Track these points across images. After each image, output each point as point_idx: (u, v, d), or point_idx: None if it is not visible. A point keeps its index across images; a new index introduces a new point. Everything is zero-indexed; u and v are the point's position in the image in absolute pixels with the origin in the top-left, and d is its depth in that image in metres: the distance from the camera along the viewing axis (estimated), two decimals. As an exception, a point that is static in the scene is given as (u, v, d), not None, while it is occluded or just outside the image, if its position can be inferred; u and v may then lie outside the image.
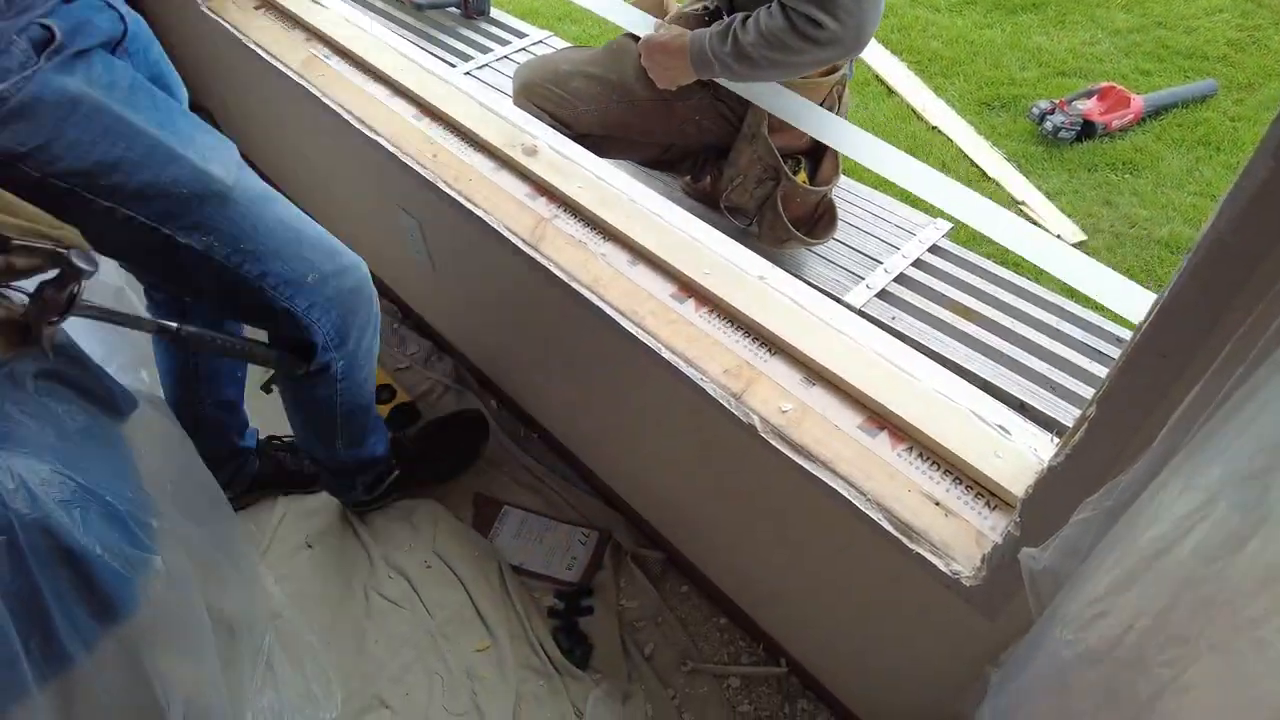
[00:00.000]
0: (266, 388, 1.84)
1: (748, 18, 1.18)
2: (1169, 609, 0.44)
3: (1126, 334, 1.45)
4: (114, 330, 1.13)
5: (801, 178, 1.41)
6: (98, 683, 0.87)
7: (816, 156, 1.46)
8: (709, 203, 1.62)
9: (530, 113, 1.37)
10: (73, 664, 0.84)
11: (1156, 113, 2.75)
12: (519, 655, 1.39)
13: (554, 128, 1.31)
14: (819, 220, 1.49)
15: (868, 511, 0.81)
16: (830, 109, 1.39)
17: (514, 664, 1.37)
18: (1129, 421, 0.55)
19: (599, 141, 1.47)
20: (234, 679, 1.17)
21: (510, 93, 1.86)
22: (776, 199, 1.40)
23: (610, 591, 1.47)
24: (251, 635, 1.26)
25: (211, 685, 1.06)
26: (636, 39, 1.42)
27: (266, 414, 1.76)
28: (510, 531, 1.57)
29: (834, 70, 1.34)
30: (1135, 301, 0.99)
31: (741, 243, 1.07)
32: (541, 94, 1.48)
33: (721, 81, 1.31)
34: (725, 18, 1.27)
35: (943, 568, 0.77)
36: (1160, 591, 0.47)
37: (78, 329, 0.98)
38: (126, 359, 1.37)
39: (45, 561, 0.78)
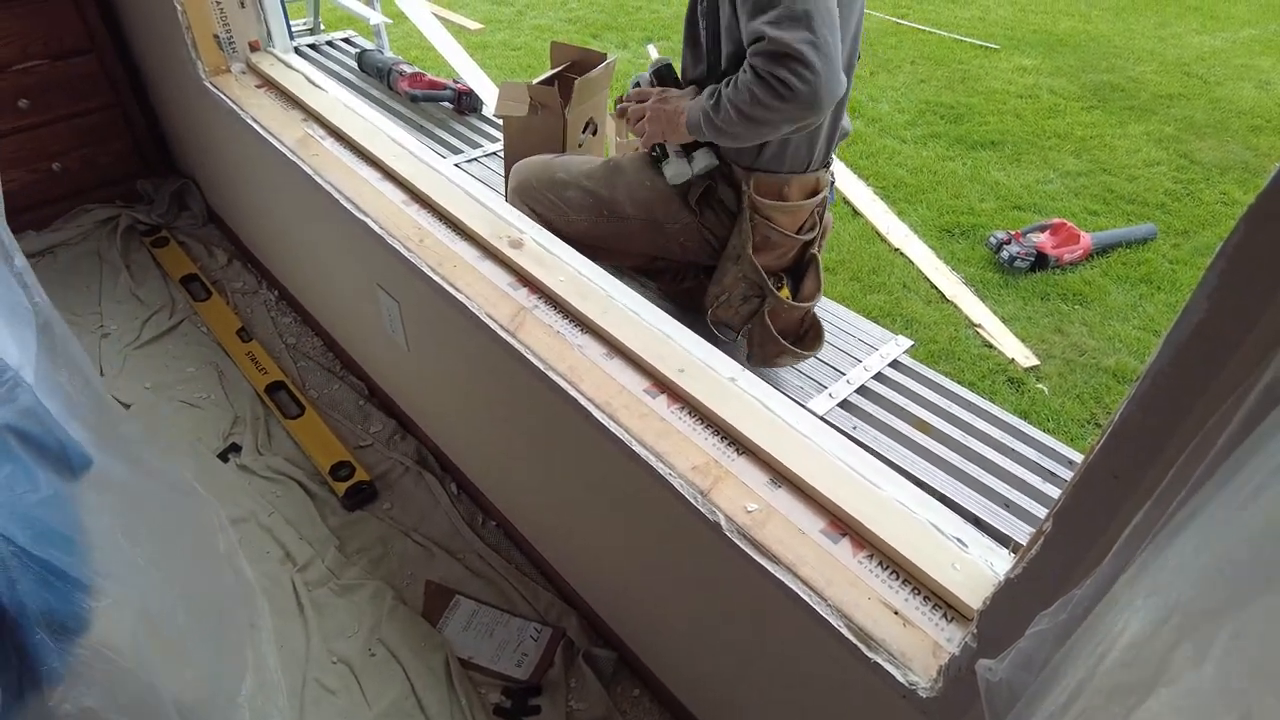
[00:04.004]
0: (224, 456, 1.81)
1: (729, 81, 1.25)
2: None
3: (1078, 456, 1.50)
4: (76, 383, 1.11)
5: (784, 293, 1.47)
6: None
7: (798, 274, 1.53)
8: (686, 304, 1.67)
9: (522, 212, 1.42)
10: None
11: (1103, 250, 2.93)
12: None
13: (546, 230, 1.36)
14: (806, 334, 1.54)
15: (828, 617, 0.82)
16: (811, 228, 1.46)
17: (453, 764, 1.31)
18: (1082, 537, 0.58)
19: (586, 248, 1.53)
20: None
21: (496, 187, 1.93)
22: (764, 315, 1.45)
23: (560, 691, 1.42)
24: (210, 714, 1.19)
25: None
26: (634, 157, 1.50)
27: (224, 485, 1.72)
28: (460, 623, 1.52)
29: (815, 193, 1.42)
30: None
31: (715, 345, 1.11)
32: (536, 197, 1.53)
33: (717, 141, 1.35)
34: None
35: (900, 678, 0.77)
36: (1107, 709, 0.48)
37: (37, 381, 0.96)
38: (89, 414, 1.35)
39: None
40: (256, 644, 1.46)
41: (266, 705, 1.37)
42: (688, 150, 1.43)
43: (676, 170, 1.42)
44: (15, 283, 1.05)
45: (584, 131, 1.77)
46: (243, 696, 1.33)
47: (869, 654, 0.79)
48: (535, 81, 1.70)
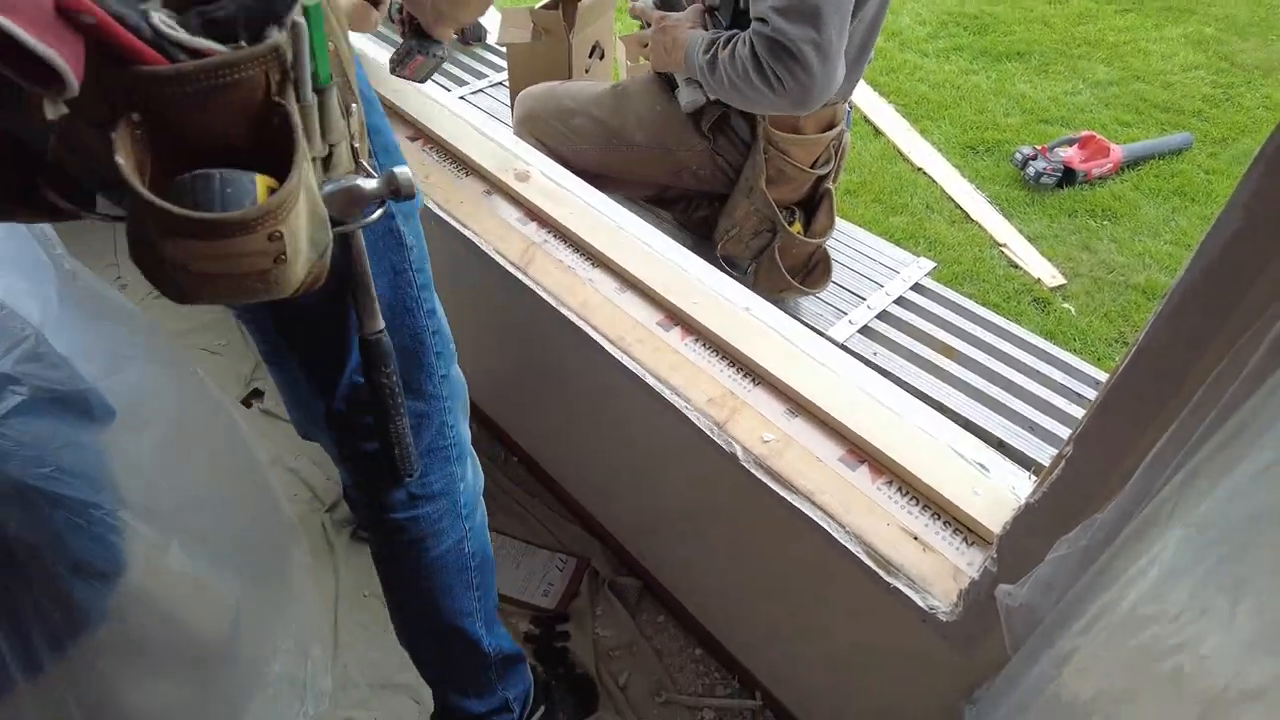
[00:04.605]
0: (247, 402, 1.83)
1: (732, 39, 1.21)
2: (1135, 648, 0.45)
3: (1105, 376, 1.47)
4: (96, 332, 1.12)
5: (796, 228, 1.44)
6: (67, 693, 0.85)
7: (811, 208, 1.49)
8: (701, 233, 1.64)
9: (529, 143, 1.38)
10: (41, 671, 0.82)
11: (1135, 163, 2.82)
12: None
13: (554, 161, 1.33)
14: (814, 269, 1.51)
15: (846, 544, 0.82)
16: (827, 161, 1.41)
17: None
18: (1104, 461, 0.56)
19: (595, 179, 1.49)
20: (222, 698, 1.15)
21: (504, 118, 1.89)
22: (774, 250, 1.42)
23: (587, 619, 1.46)
24: (254, 662, 1.23)
25: (187, 706, 1.05)
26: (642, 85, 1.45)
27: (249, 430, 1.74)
28: (487, 555, 1.55)
29: (831, 126, 1.37)
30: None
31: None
32: (543, 127, 1.49)
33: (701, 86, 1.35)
34: (721, 26, 1.31)
35: (920, 602, 0.77)
36: (1130, 631, 0.48)
37: (59, 334, 0.96)
38: (109, 362, 1.35)
39: (16, 569, 0.76)
40: (300, 579, 1.50)
41: (308, 638, 1.42)
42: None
43: (690, 98, 1.37)
44: (32, 237, 1.05)
45: (590, 56, 1.71)
46: (286, 630, 1.37)
47: (888, 579, 0.79)
48: (538, 6, 1.64)
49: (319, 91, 0.55)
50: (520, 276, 1.09)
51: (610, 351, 1.00)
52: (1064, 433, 1.36)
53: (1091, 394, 1.44)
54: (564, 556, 1.54)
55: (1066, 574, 0.56)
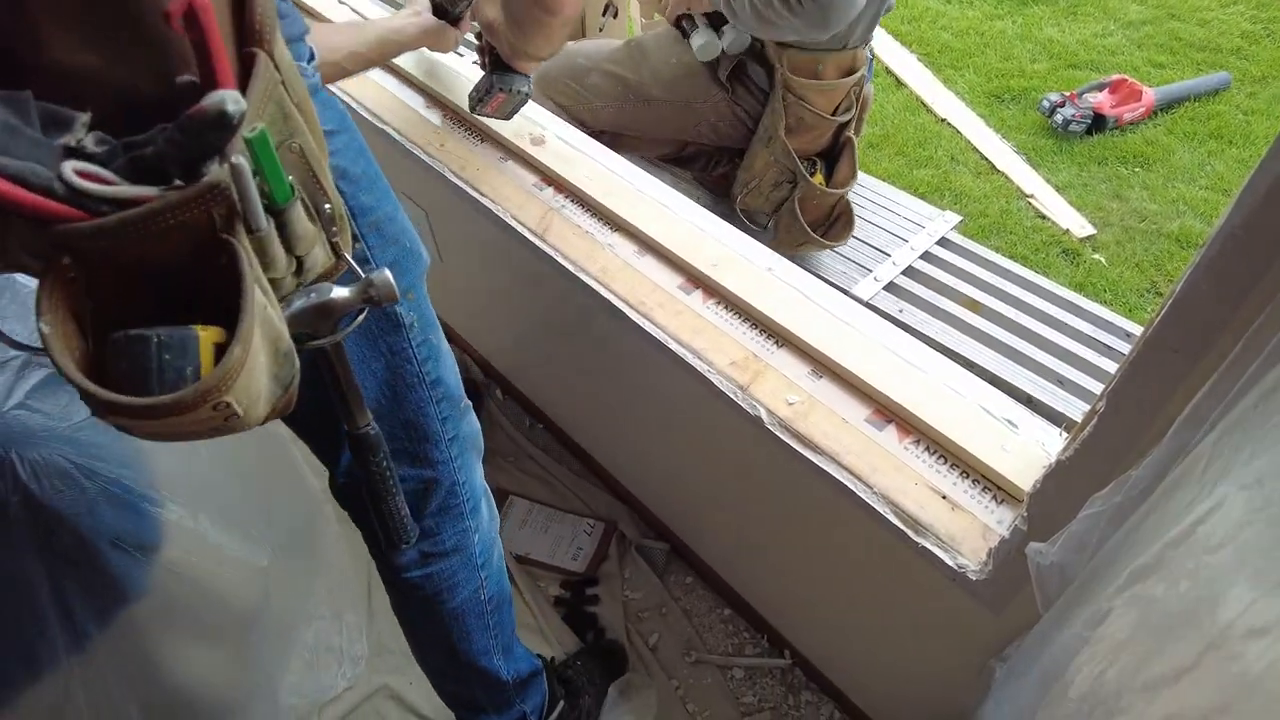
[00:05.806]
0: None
1: None
2: (1176, 607, 0.44)
3: (1136, 328, 1.44)
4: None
5: (818, 179, 1.41)
6: (109, 661, 0.88)
7: (833, 158, 1.45)
8: (720, 192, 1.62)
9: (545, 107, 1.37)
10: (88, 641, 0.85)
11: (1168, 106, 2.73)
12: (528, 644, 1.39)
13: (569, 123, 1.31)
14: (835, 221, 1.48)
15: (874, 504, 0.81)
16: (848, 109, 1.38)
17: (519, 653, 1.38)
18: (1139, 417, 0.55)
19: (614, 138, 1.47)
20: (258, 665, 1.18)
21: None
22: (794, 202, 1.39)
23: (615, 582, 1.47)
24: (288, 630, 1.26)
25: (224, 675, 1.07)
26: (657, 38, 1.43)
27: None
28: (516, 521, 1.57)
29: (852, 71, 1.34)
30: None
31: (748, 234, 1.07)
32: (558, 89, 1.47)
33: (734, 24, 1.33)
34: None
35: (949, 561, 0.77)
36: (1170, 591, 0.47)
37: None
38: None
39: (59, 545, 0.78)
40: (329, 549, 1.53)
41: (341, 605, 1.45)
42: (715, 24, 1.34)
43: (705, 42, 1.34)
44: None
45: (604, 15, 1.68)
46: (318, 599, 1.41)
47: (916, 538, 0.79)
48: None
49: (277, 213, 0.48)
50: (538, 243, 1.08)
51: (631, 317, 0.99)
52: (1095, 387, 1.34)
53: (1123, 346, 1.41)
54: (592, 521, 1.55)
55: (1099, 532, 0.55)
